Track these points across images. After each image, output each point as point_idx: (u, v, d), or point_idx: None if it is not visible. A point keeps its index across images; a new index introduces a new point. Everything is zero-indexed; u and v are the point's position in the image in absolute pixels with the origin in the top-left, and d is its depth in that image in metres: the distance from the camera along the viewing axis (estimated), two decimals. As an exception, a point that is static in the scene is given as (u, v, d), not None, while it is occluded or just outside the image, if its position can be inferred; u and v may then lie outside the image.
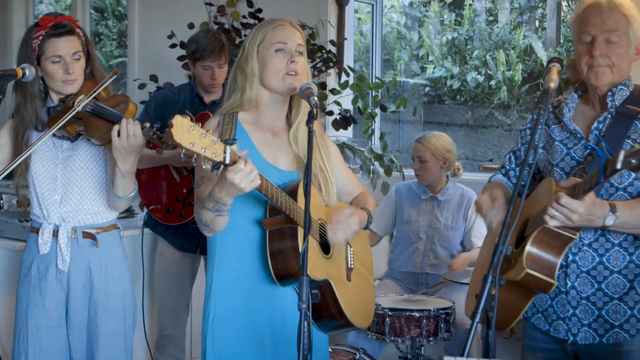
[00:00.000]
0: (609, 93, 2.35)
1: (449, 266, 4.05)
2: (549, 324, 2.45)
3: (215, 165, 2.01)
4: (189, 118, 1.96)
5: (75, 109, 2.56)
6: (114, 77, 2.70)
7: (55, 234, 2.72)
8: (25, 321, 2.74)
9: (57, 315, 2.75)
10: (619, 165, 1.92)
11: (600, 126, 2.36)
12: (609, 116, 2.35)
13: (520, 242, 2.37)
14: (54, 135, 2.68)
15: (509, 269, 2.31)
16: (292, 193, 2.30)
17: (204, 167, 2.00)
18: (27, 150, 2.57)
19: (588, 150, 2.36)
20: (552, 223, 2.14)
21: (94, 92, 2.62)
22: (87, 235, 2.76)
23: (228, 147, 2.01)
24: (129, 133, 2.51)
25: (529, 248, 2.24)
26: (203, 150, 1.95)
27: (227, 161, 2.01)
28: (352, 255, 2.56)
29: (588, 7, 2.34)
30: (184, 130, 1.93)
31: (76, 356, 2.78)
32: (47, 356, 2.74)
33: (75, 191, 2.73)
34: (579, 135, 2.40)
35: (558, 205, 2.10)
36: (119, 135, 2.52)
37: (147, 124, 2.57)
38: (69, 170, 2.73)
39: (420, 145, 4.17)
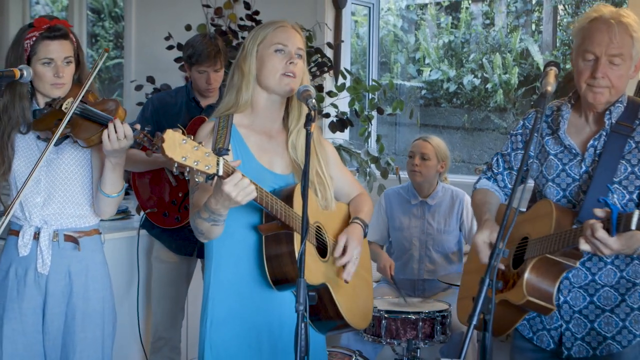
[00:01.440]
0: (607, 112, 2.34)
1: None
2: (533, 333, 2.47)
3: (209, 177, 2.02)
4: (181, 131, 1.96)
5: (69, 112, 2.54)
6: (106, 55, 2.67)
7: (36, 236, 2.68)
8: (0, 326, 2.68)
9: (33, 321, 2.68)
10: (633, 227, 1.94)
11: (596, 143, 2.35)
12: (604, 134, 2.34)
13: (516, 260, 2.39)
14: (38, 137, 2.67)
15: (506, 288, 2.34)
16: (288, 197, 2.30)
17: (197, 179, 2.01)
18: (41, 156, 2.53)
19: (584, 170, 2.36)
20: (584, 247, 2.10)
21: (86, 83, 2.60)
22: (68, 238, 2.71)
23: (221, 159, 2.01)
24: (119, 136, 2.47)
25: (528, 276, 2.26)
26: (196, 163, 1.96)
27: (221, 173, 2.01)
28: None
29: (594, 21, 2.28)
30: (176, 145, 1.93)
31: None
32: None
33: (58, 194, 2.69)
34: (574, 151, 2.39)
35: (592, 238, 2.07)
36: (109, 138, 2.48)
37: (138, 126, 2.55)
38: (52, 173, 2.69)
39: (424, 143, 4.17)
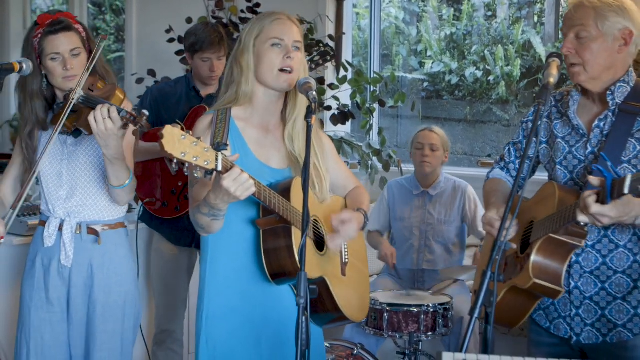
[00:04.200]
0: (609, 92, 2.32)
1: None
2: (549, 322, 2.45)
3: (208, 172, 2.02)
4: (180, 127, 1.96)
5: (70, 103, 2.55)
6: (104, 42, 2.68)
7: (60, 228, 2.71)
8: (28, 314, 2.74)
9: (60, 310, 2.74)
10: (626, 190, 1.93)
11: (602, 124, 2.33)
12: (610, 114, 2.33)
13: (525, 245, 2.37)
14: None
15: (515, 273, 2.31)
16: (285, 191, 2.29)
17: (195, 175, 2.00)
18: (41, 156, 2.55)
19: (590, 151, 2.34)
20: (582, 219, 2.09)
21: (85, 70, 2.61)
22: (91, 231, 2.74)
23: (220, 154, 2.01)
24: (104, 116, 2.47)
25: (534, 258, 2.23)
26: (195, 159, 1.96)
27: (220, 168, 2.01)
28: (346, 250, 2.56)
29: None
30: (175, 140, 1.93)
31: (75, 353, 2.76)
32: (50, 350, 2.73)
33: (80, 187, 2.72)
34: (581, 132, 2.37)
35: (587, 214, 2.06)
36: (95, 119, 2.48)
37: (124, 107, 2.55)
38: (73, 166, 2.72)
39: (431, 133, 4.21)
